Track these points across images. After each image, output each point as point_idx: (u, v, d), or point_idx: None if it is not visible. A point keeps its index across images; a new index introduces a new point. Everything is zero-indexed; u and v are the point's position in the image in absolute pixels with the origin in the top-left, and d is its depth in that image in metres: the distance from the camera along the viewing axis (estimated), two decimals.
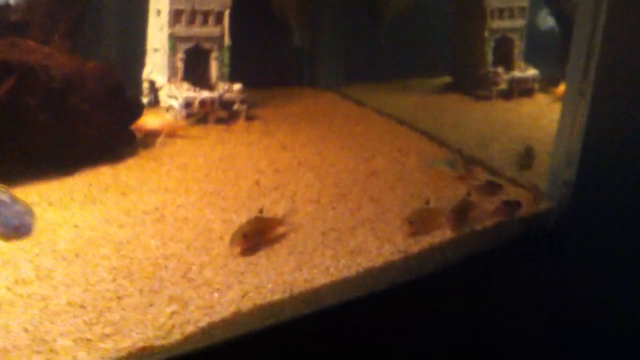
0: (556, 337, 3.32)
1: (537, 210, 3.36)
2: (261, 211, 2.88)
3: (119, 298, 2.30)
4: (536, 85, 5.53)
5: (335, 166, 3.75)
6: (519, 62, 5.56)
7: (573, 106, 3.30)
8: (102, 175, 3.38)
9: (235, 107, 4.35)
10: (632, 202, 3.21)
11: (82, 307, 2.23)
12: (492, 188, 3.47)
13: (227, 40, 4.37)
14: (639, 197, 3.19)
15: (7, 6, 3.60)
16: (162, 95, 4.27)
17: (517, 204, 3.27)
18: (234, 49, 4.50)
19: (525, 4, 5.48)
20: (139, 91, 4.33)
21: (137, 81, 4.46)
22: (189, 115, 4.15)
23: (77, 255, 2.56)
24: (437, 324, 2.91)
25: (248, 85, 4.56)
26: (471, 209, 3.17)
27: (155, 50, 4.30)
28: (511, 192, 3.49)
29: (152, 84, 4.39)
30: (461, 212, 3.08)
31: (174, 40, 4.19)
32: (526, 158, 3.91)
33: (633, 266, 3.21)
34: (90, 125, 3.42)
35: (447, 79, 5.90)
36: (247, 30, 4.98)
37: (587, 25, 3.19)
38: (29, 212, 2.37)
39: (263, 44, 5.15)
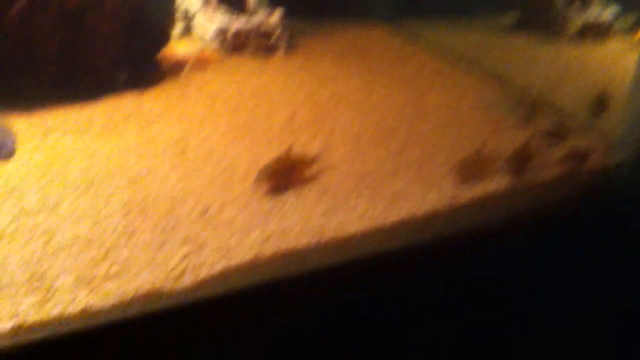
0: (626, 310, 2.97)
1: (607, 163, 3.01)
2: (291, 148, 2.58)
3: (129, 235, 2.11)
4: (615, 27, 5.00)
5: (381, 102, 3.41)
6: (596, 1, 5.04)
7: None
8: (124, 103, 3.14)
9: (275, 36, 4.01)
10: None
11: (89, 242, 2.06)
12: (557, 136, 3.13)
13: None
14: None
15: None
16: (196, 23, 3.96)
17: (585, 155, 2.95)
18: None
19: None
20: (169, 17, 3.99)
21: (170, 6, 4.15)
22: (222, 45, 3.84)
23: (89, 187, 2.37)
24: (489, 286, 2.59)
25: (293, 13, 4.22)
26: (532, 158, 2.84)
27: None
28: (579, 142, 3.12)
29: (186, 11, 4.07)
30: (520, 160, 2.78)
31: None
32: (598, 105, 3.50)
33: None
34: (111, 48, 3.17)
35: (516, 15, 5.39)
36: None
37: None
38: (9, 132, 2.16)
39: None
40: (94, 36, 3.12)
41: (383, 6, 5.16)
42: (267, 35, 4.01)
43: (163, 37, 3.53)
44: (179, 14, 4.17)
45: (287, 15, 4.11)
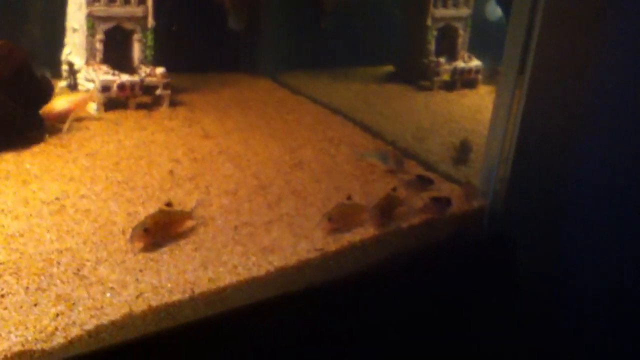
0: (491, 344, 3.20)
1: (469, 207, 3.24)
2: (169, 204, 2.67)
3: (1, 296, 2.13)
4: (479, 77, 5.41)
5: (259, 156, 3.57)
6: (463, 53, 5.42)
7: (508, 99, 3.16)
8: (3, 163, 3.13)
9: (158, 92, 4.11)
10: (569, 199, 3.11)
11: None
12: (422, 183, 3.34)
13: (151, 21, 4.10)
14: (576, 193, 3.09)
15: None
16: (80, 79, 3.99)
17: (447, 201, 3.14)
18: (164, 31, 4.27)
19: None
20: (50, 72, 3.96)
21: (55, 62, 4.17)
22: (106, 99, 3.90)
23: None
24: (356, 330, 2.75)
25: (180, 69, 4.34)
26: (397, 206, 3.03)
27: (74, 30, 4.01)
28: (444, 188, 3.37)
29: (71, 66, 4.11)
30: (386, 209, 2.95)
31: (92, 19, 3.91)
32: (461, 152, 3.78)
33: (570, 267, 3.11)
34: None
35: (390, 68, 5.74)
36: (181, 12, 4.75)
37: (524, 14, 3.05)
38: None
39: (198, 26, 4.90)
40: None
41: (266, 60, 5.35)
42: (151, 89, 4.10)
43: (47, 93, 3.53)
44: (64, 67, 4.20)
45: (171, 70, 4.19)
